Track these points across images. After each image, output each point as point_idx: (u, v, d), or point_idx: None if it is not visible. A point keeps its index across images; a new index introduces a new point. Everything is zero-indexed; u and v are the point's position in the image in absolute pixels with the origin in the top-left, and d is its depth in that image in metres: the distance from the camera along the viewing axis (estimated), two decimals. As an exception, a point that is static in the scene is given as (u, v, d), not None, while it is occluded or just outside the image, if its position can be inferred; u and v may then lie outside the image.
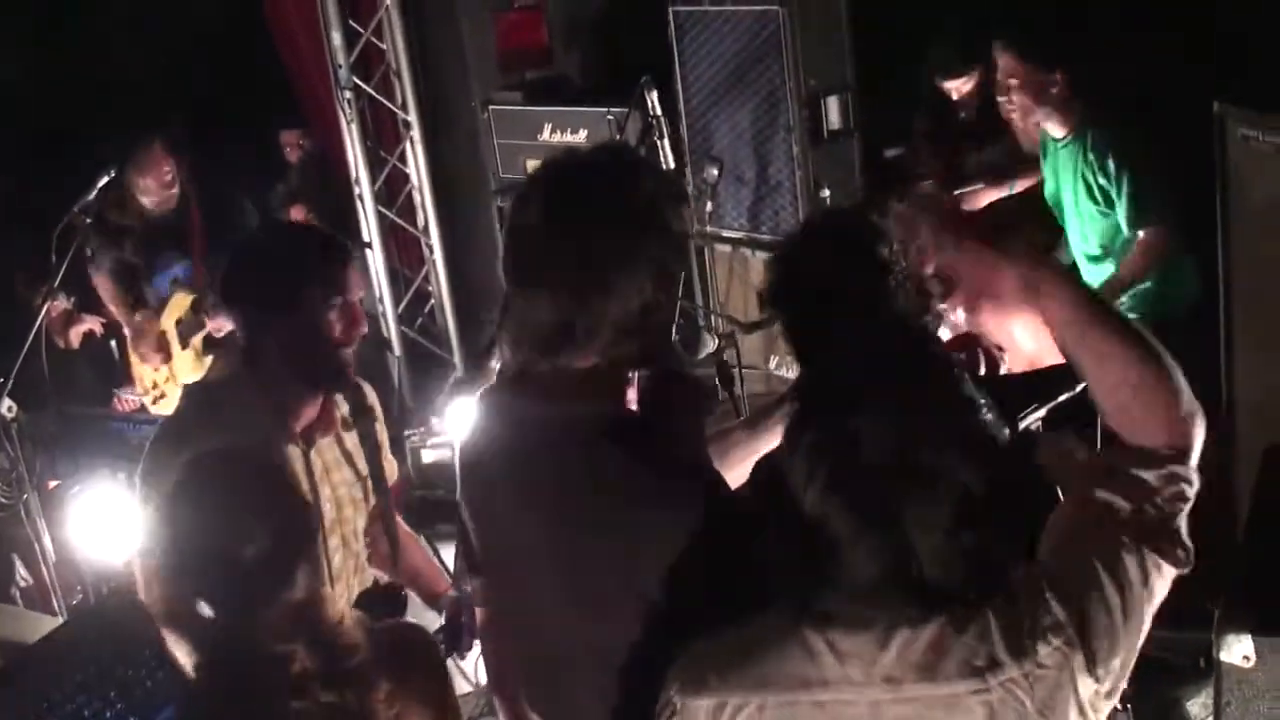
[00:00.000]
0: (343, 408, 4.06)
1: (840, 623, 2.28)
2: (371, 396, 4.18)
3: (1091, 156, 6.10)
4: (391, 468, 4.31)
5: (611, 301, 2.66)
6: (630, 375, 2.83)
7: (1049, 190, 6.47)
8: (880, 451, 2.17)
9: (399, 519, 4.37)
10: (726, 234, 7.77)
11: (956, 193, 6.79)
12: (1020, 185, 6.85)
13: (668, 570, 2.62)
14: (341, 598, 3.69)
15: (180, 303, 7.22)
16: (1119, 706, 2.48)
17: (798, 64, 7.20)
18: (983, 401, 2.25)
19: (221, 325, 6.88)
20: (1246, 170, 6.00)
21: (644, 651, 2.65)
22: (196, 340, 7.14)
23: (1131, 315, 6.10)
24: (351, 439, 4.09)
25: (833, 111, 7.36)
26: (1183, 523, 2.33)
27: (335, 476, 4.04)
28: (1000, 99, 6.25)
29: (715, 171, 7.36)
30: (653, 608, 2.66)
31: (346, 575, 4.10)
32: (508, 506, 2.88)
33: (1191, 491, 2.37)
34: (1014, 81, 6.12)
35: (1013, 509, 2.24)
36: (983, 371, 3.40)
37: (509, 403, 2.89)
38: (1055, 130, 6.22)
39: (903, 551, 2.18)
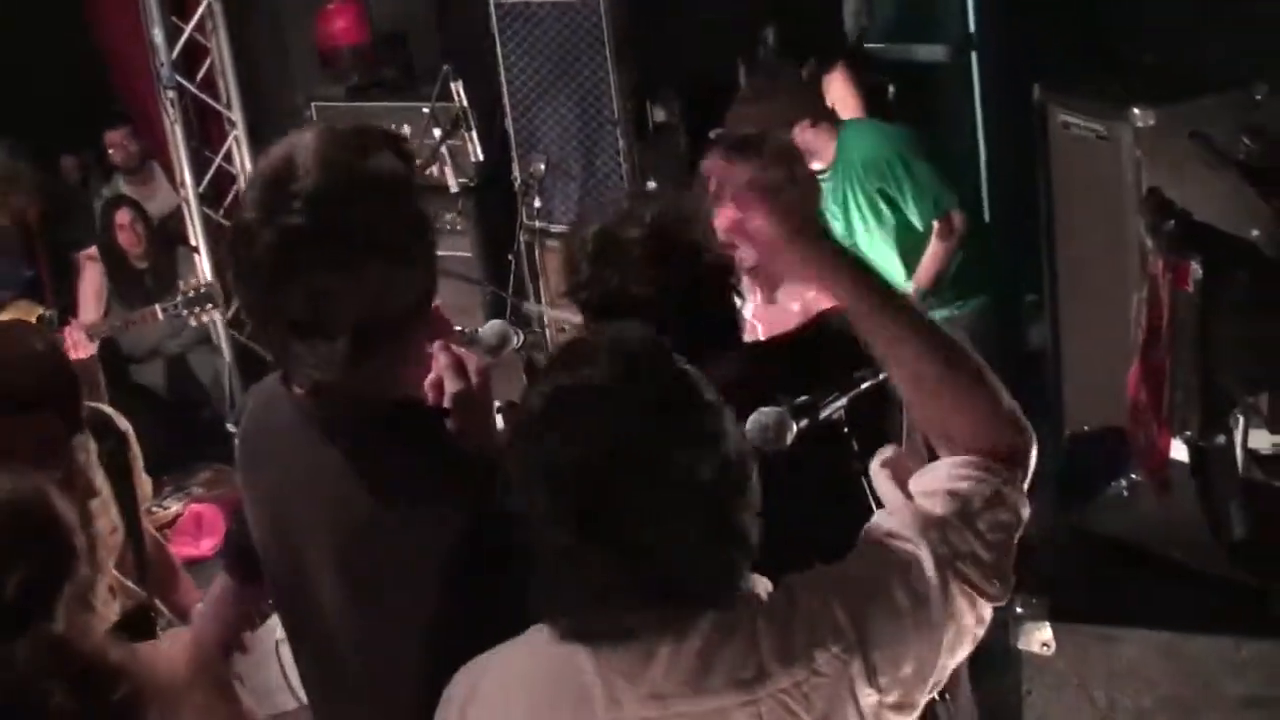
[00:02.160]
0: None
1: (604, 639, 2.17)
2: (121, 422, 4.09)
3: (858, 167, 6.07)
4: (145, 488, 4.22)
5: (341, 336, 2.49)
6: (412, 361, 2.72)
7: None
8: (592, 450, 2.07)
9: (150, 531, 4.28)
10: (554, 229, 7.68)
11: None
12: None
13: (449, 571, 2.53)
14: (102, 623, 3.59)
15: (23, 310, 7.01)
16: (938, 696, 2.40)
17: (621, 56, 7.13)
18: (702, 380, 2.16)
19: (80, 351, 6.76)
20: (1068, 156, 6.05)
21: (426, 658, 2.55)
22: None
23: (954, 306, 6.22)
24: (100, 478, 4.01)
25: (658, 104, 7.30)
26: (1003, 554, 2.18)
27: (93, 526, 3.90)
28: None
29: (541, 166, 7.30)
30: (431, 614, 2.56)
31: (105, 600, 4.00)
32: (280, 503, 2.77)
33: (1019, 521, 2.20)
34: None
35: (745, 494, 2.14)
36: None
37: (278, 395, 2.77)
38: (818, 166, 6.14)
39: (632, 550, 2.07)
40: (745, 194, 2.41)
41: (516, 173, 7.62)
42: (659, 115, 7.33)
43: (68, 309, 7.17)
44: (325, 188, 2.47)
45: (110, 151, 9.53)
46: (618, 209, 3.38)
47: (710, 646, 2.12)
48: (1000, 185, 6.74)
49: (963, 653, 2.18)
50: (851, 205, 6.17)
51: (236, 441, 2.97)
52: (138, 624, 3.89)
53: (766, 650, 2.12)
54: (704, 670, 2.12)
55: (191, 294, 6.39)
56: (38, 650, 2.70)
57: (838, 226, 6.24)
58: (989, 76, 7.70)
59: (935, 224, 6.03)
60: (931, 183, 6.01)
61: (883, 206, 6.10)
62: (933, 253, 6.08)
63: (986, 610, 2.17)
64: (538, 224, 7.57)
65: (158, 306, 6.26)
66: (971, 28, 7.74)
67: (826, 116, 6.14)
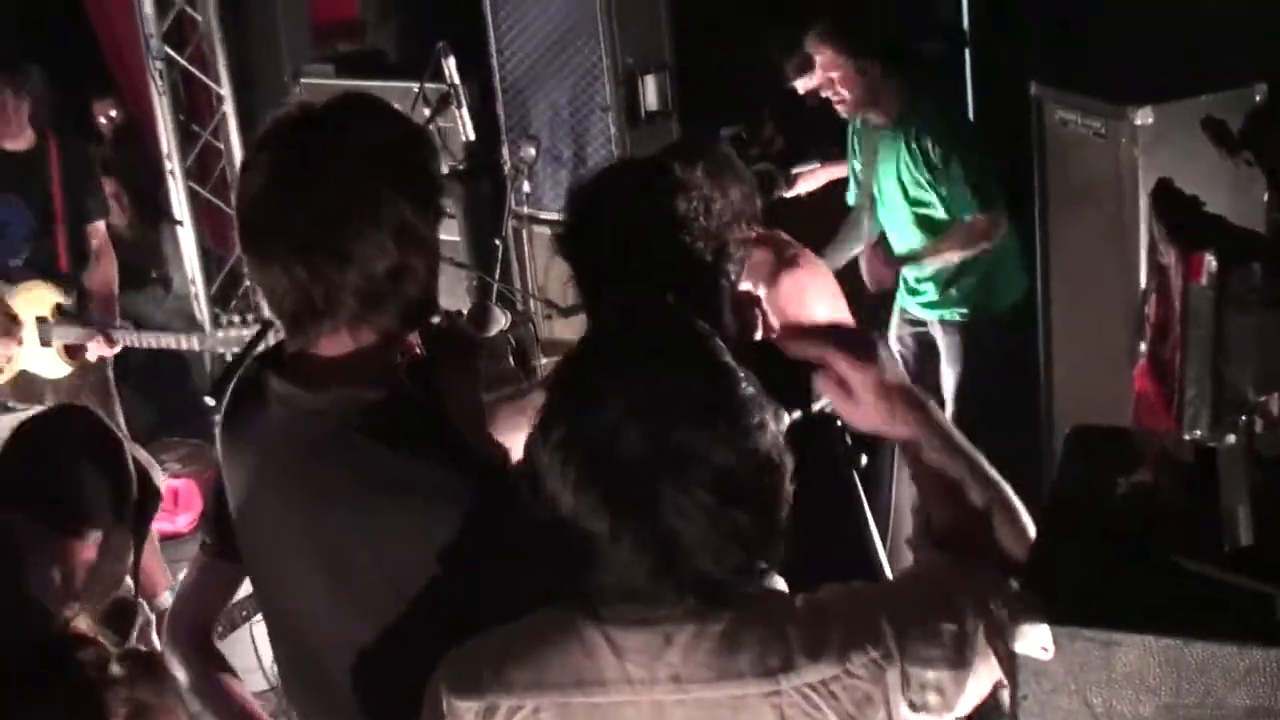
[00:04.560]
0: None
1: (619, 619, 2.15)
2: (157, 476, 4.06)
3: (915, 147, 6.08)
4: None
5: (348, 266, 2.49)
6: (397, 353, 2.68)
7: (863, 180, 6.42)
8: (631, 441, 2.04)
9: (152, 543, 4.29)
10: (544, 215, 7.63)
11: (794, 172, 6.73)
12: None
13: (431, 563, 2.48)
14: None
15: (41, 296, 6.95)
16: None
17: (614, 41, 7.10)
18: (743, 374, 2.14)
19: (107, 351, 6.72)
20: (1064, 154, 6.01)
21: (407, 651, 2.49)
22: (59, 345, 6.91)
23: (959, 311, 6.20)
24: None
25: (650, 91, 7.26)
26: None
27: None
28: (825, 94, 6.21)
29: (532, 151, 7.26)
30: (415, 603, 2.52)
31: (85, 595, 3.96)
32: (261, 497, 2.72)
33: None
34: (835, 75, 6.09)
35: (779, 486, 2.12)
36: (759, 335, 3.31)
37: (267, 384, 2.71)
38: (876, 118, 6.20)
39: (666, 543, 2.05)
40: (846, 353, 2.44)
41: (506, 157, 7.57)
42: (651, 102, 7.26)
43: (84, 295, 7.12)
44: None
45: (100, 121, 9.48)
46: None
47: (735, 633, 2.12)
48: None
49: (983, 687, 2.23)
50: (894, 170, 6.16)
51: (219, 424, 2.92)
52: (116, 614, 3.86)
53: (795, 643, 2.12)
54: (727, 654, 2.12)
55: (234, 334, 6.38)
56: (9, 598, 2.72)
57: (876, 188, 6.26)
58: (982, 72, 7.67)
59: (971, 218, 6.02)
60: (975, 179, 5.99)
61: (921, 182, 6.09)
62: (952, 235, 6.07)
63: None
64: (526, 210, 7.52)
65: (196, 338, 6.25)
66: (965, 22, 7.72)
67: (897, 70, 6.10)
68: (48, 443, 3.79)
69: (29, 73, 7.02)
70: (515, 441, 2.87)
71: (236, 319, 6.76)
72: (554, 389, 2.19)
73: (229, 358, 6.44)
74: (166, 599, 4.34)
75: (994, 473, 2.42)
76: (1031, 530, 2.37)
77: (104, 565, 3.69)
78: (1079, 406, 5.78)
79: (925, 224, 6.26)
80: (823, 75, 6.14)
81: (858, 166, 6.48)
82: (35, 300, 6.95)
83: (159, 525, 6.90)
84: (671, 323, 2.25)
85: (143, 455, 3.94)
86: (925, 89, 6.34)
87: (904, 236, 6.38)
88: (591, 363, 2.19)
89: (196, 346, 6.87)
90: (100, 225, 7.34)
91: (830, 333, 2.61)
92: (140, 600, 4.05)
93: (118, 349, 6.92)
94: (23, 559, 3.51)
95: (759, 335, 3.32)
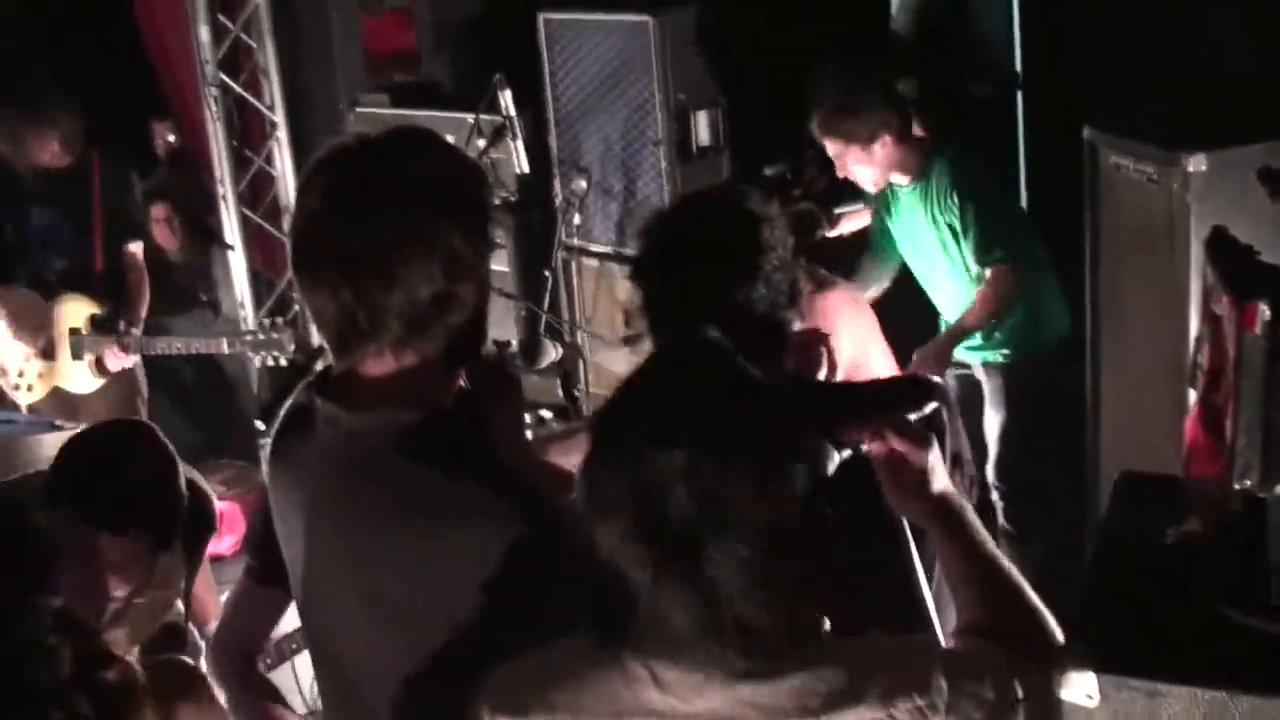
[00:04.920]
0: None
1: (660, 654, 2.15)
2: (212, 500, 4.09)
3: (937, 201, 6.05)
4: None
5: (393, 290, 2.51)
6: (445, 377, 2.70)
7: (897, 238, 6.40)
8: (679, 496, 2.04)
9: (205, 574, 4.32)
10: (593, 248, 7.65)
11: (837, 211, 6.72)
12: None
13: (469, 585, 2.49)
14: (127, 641, 3.61)
15: (76, 308, 7.01)
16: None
17: (667, 77, 7.10)
18: (793, 422, 2.15)
19: (124, 361, 6.76)
20: (1116, 198, 5.99)
21: (443, 675, 2.50)
22: (91, 358, 6.96)
23: (1002, 352, 6.18)
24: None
25: (702, 127, 7.25)
26: None
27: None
28: (841, 175, 6.18)
29: (583, 183, 7.27)
30: (452, 627, 2.52)
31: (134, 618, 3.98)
32: (306, 519, 2.73)
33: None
34: (846, 159, 6.06)
35: (826, 540, 2.13)
36: (823, 375, 3.32)
37: (314, 407, 2.74)
38: (901, 180, 6.17)
39: (708, 594, 2.06)
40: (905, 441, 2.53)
41: (557, 189, 7.58)
42: (703, 138, 7.27)
43: (118, 307, 7.16)
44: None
45: (156, 143, 9.54)
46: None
47: (776, 673, 2.12)
48: (1042, 228, 6.67)
49: None
50: (923, 226, 6.14)
51: (267, 448, 2.94)
52: (165, 640, 3.89)
53: (838, 685, 2.12)
54: (768, 693, 2.11)
55: (262, 336, 6.37)
56: (47, 612, 2.75)
57: (908, 246, 6.24)
58: (1034, 115, 7.65)
59: (987, 272, 5.98)
60: (993, 230, 5.96)
61: (948, 237, 6.06)
62: (978, 299, 6.04)
63: None
64: (576, 241, 7.53)
65: (224, 340, 6.23)
66: (1018, 64, 7.70)
67: (909, 133, 6.08)
68: (101, 447, 3.84)
69: (46, 100, 7.05)
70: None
71: (266, 323, 6.76)
72: (601, 432, 2.20)
73: (257, 363, 6.47)
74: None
75: (1020, 583, 2.47)
76: (1055, 636, 2.39)
77: (154, 585, 3.72)
78: (1127, 453, 5.75)
79: (957, 276, 6.23)
80: (836, 160, 6.11)
81: (888, 221, 6.44)
82: (70, 313, 7.01)
83: (202, 547, 6.96)
84: (724, 371, 2.25)
85: (200, 481, 3.97)
86: (959, 134, 6.32)
87: (939, 291, 6.36)
88: (642, 410, 2.19)
89: (224, 349, 6.86)
90: (136, 249, 7.38)
91: (895, 418, 2.62)
92: (190, 627, 4.08)
93: (134, 358, 6.95)
94: (58, 558, 3.54)
95: (823, 374, 3.33)
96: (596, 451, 2.17)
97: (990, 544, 2.52)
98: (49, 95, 7.08)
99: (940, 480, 2.55)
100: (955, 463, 2.50)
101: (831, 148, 6.07)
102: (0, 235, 7.08)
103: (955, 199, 5.98)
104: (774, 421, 2.15)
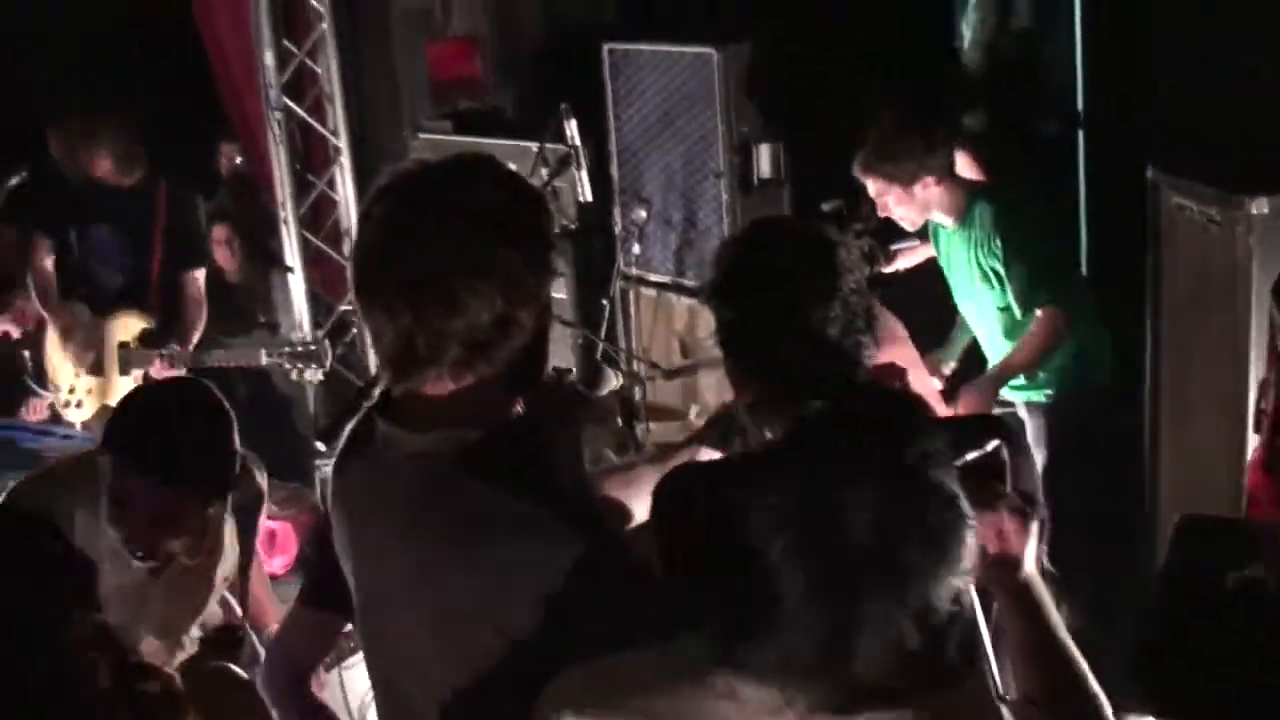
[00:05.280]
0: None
1: (753, 673, 2.15)
2: (261, 479, 4.15)
3: (980, 237, 6.04)
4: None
5: (454, 315, 2.53)
6: (505, 400, 2.71)
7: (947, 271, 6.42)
8: (860, 535, 2.04)
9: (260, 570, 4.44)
10: (652, 277, 7.66)
11: (894, 248, 6.72)
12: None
13: (533, 605, 2.50)
14: (172, 652, 3.66)
15: (128, 324, 7.06)
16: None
17: (730, 109, 7.12)
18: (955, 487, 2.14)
19: (168, 375, 6.81)
20: (1178, 240, 5.97)
21: (506, 692, 2.51)
22: (138, 373, 7.01)
23: (1045, 392, 6.16)
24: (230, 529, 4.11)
25: (764, 160, 7.26)
26: None
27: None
28: (884, 215, 6.18)
29: (643, 213, 7.29)
30: (519, 649, 2.53)
31: (180, 628, 4.08)
32: (369, 540, 2.75)
33: None
34: (889, 199, 6.07)
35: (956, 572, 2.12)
36: None
37: (375, 429, 2.76)
38: (946, 221, 6.17)
39: (843, 641, 2.06)
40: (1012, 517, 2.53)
41: (617, 218, 7.61)
42: (764, 170, 7.28)
43: (169, 324, 7.20)
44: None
45: (222, 163, 9.63)
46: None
47: (852, 709, 2.13)
48: (1102, 267, 6.65)
49: None
50: (968, 270, 6.14)
51: (325, 469, 2.97)
52: (224, 641, 3.93)
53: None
54: None
55: (300, 349, 6.39)
56: (86, 627, 2.78)
57: (954, 284, 6.25)
58: (1097, 154, 7.63)
59: (1035, 314, 5.97)
60: (1038, 274, 5.95)
61: (993, 280, 6.05)
62: (1023, 342, 6.03)
63: None
64: (635, 271, 7.55)
65: (263, 352, 6.25)
66: (1080, 103, 7.68)
67: (953, 175, 6.08)
68: (157, 401, 3.92)
69: (97, 115, 7.10)
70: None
71: (304, 334, 6.79)
72: (782, 444, 2.21)
73: (294, 376, 6.49)
74: None
75: (1082, 667, 2.49)
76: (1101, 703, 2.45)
77: (206, 548, 3.82)
78: (1185, 495, 5.72)
79: (1004, 317, 6.22)
80: (878, 200, 6.12)
81: (939, 259, 6.45)
82: (121, 329, 7.06)
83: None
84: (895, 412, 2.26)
85: (250, 460, 4.05)
86: (1021, 172, 6.32)
87: (984, 329, 6.35)
88: (825, 433, 2.19)
89: (262, 361, 6.87)
90: (198, 275, 7.42)
91: (1007, 495, 2.61)
92: (249, 631, 4.12)
93: (178, 372, 6.99)
94: (96, 573, 3.61)
95: None
96: (776, 459, 2.17)
97: (1061, 628, 2.52)
98: (101, 111, 7.12)
99: (1031, 561, 2.56)
100: (1028, 501, 2.47)
101: (873, 187, 6.07)
102: (61, 250, 7.12)
103: (998, 243, 5.97)
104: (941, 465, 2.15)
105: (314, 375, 6.60)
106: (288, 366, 6.44)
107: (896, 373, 3.41)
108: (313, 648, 3.46)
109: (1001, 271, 5.99)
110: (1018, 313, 6.04)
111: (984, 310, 6.25)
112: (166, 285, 7.19)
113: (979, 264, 6.08)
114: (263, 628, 4.34)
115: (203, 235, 7.65)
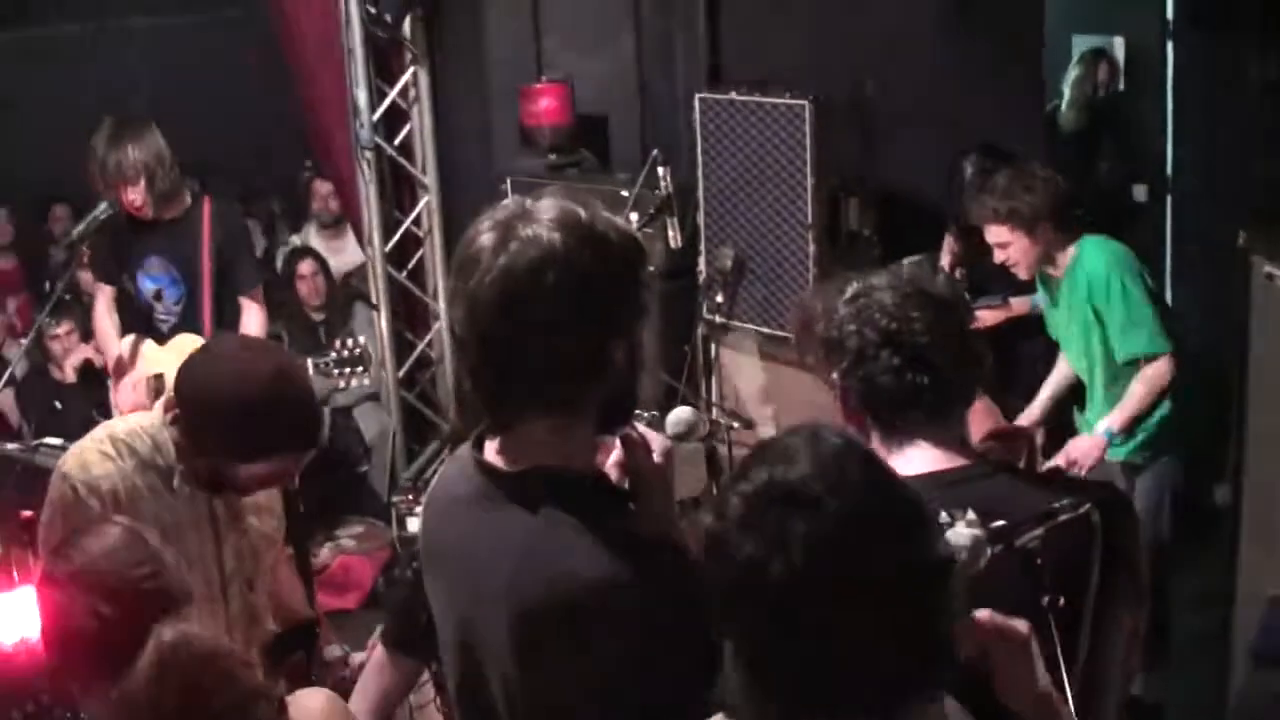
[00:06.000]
0: None
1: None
2: None
3: (1084, 293, 6.05)
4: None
5: (547, 356, 2.55)
6: (600, 438, 2.72)
7: (1051, 324, 6.41)
8: (792, 561, 2.05)
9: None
10: (735, 325, 7.65)
11: (976, 306, 6.71)
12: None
13: (628, 654, 2.50)
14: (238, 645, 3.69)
15: (181, 346, 7.07)
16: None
17: (820, 161, 7.11)
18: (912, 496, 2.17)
19: None
20: (1269, 309, 5.91)
21: None
22: None
23: (1143, 454, 6.13)
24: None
25: (852, 212, 7.27)
26: None
27: (245, 524, 4.12)
28: (999, 261, 6.20)
29: (729, 261, 7.28)
30: (613, 694, 2.54)
31: (244, 624, 4.10)
32: (460, 571, 2.76)
33: None
34: (1011, 248, 6.08)
35: (944, 602, 2.14)
36: (1022, 464, 3.31)
37: (469, 463, 2.77)
38: (1051, 270, 6.18)
39: (832, 660, 2.08)
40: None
41: (703, 265, 7.61)
42: (852, 223, 7.28)
43: None
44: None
45: (315, 202, 9.71)
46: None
47: None
48: (1188, 335, 6.61)
49: None
50: (1073, 319, 6.14)
51: (421, 509, 2.98)
52: (301, 637, 3.99)
53: None
54: None
55: (345, 354, 6.38)
56: None
57: (1060, 334, 6.24)
58: (1184, 220, 7.60)
59: (1140, 363, 5.96)
60: (1146, 319, 5.96)
61: (1096, 327, 6.06)
62: (1130, 394, 6.02)
63: None
64: (718, 319, 7.54)
65: (310, 360, 6.27)
66: (1169, 169, 7.67)
67: (1067, 224, 6.10)
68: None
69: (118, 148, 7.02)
70: None
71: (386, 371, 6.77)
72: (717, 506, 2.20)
73: (341, 384, 6.49)
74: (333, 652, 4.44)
75: None
76: None
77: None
78: (1270, 573, 5.65)
79: (1106, 368, 6.21)
80: (997, 250, 6.14)
81: (1048, 312, 6.45)
82: (178, 351, 7.04)
83: (327, 601, 7.01)
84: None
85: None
86: (1113, 234, 6.31)
87: (1090, 381, 6.33)
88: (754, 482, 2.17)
89: (310, 371, 6.82)
90: (252, 296, 7.39)
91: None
92: (323, 633, 4.18)
93: None
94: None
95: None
96: (716, 522, 2.18)
97: None
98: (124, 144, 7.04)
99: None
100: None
101: (992, 234, 6.09)
102: (121, 283, 7.12)
103: (1102, 294, 5.98)
104: (892, 486, 2.18)
105: (365, 381, 6.60)
106: (335, 372, 6.42)
107: (1025, 435, 3.40)
108: (393, 692, 3.48)
109: (1104, 313, 6.01)
110: (1118, 356, 6.05)
111: (1094, 360, 6.24)
112: (218, 316, 7.13)
113: (1085, 311, 6.08)
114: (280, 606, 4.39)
115: (252, 255, 7.60)
